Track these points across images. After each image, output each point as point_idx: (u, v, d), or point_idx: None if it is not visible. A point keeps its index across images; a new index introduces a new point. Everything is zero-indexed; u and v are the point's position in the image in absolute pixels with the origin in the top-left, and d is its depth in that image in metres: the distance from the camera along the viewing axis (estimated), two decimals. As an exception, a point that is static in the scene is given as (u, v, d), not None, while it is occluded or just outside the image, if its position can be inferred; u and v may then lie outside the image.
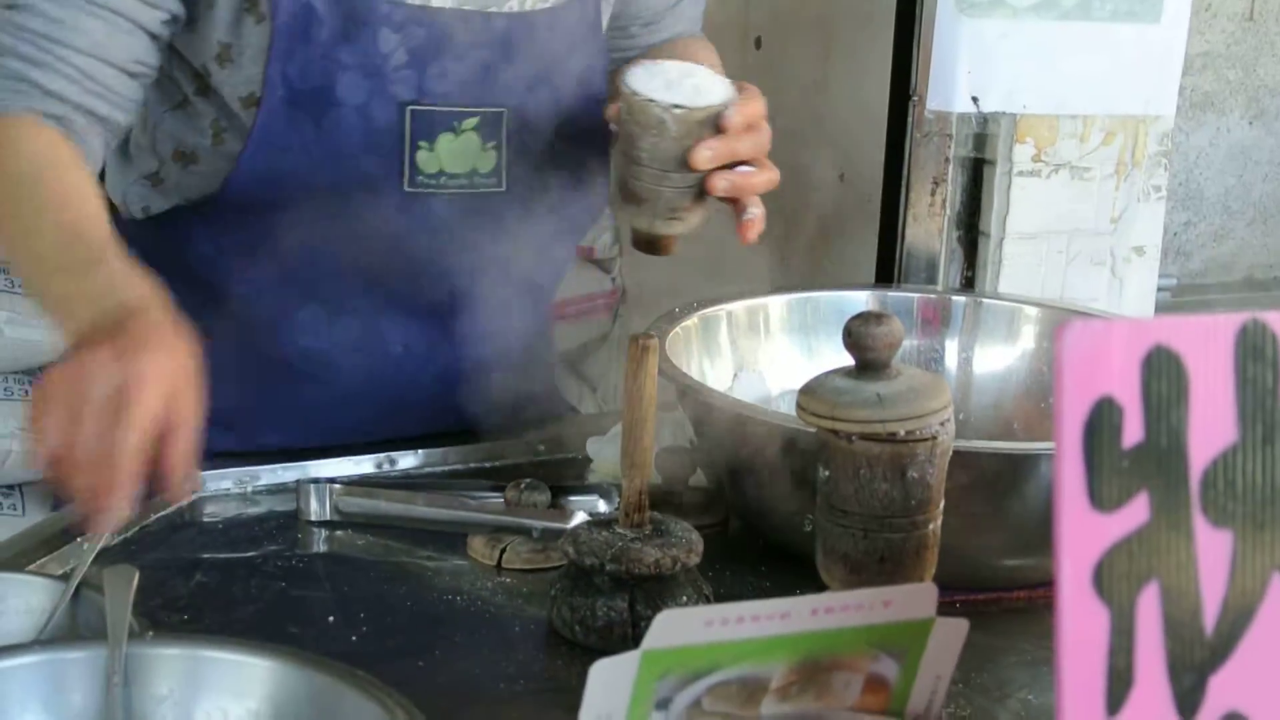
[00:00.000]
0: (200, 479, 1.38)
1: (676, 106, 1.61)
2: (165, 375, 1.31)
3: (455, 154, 1.81)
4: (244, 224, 1.79)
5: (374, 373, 1.90)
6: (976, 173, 2.34)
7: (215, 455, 1.76)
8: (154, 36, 1.70)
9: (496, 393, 1.90)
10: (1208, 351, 0.87)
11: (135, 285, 1.44)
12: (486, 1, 1.79)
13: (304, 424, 1.89)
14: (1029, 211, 2.33)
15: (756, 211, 1.68)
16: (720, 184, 1.64)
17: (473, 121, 1.80)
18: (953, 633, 1.11)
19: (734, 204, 1.68)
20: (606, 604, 1.47)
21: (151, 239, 1.85)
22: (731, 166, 1.65)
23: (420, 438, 1.92)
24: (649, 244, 1.71)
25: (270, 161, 1.75)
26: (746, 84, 1.69)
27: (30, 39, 1.63)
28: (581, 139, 1.89)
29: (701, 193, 1.66)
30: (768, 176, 1.68)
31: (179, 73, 1.79)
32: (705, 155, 1.61)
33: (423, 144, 1.79)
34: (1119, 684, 0.86)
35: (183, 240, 1.83)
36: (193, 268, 1.83)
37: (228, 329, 1.77)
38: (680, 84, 1.64)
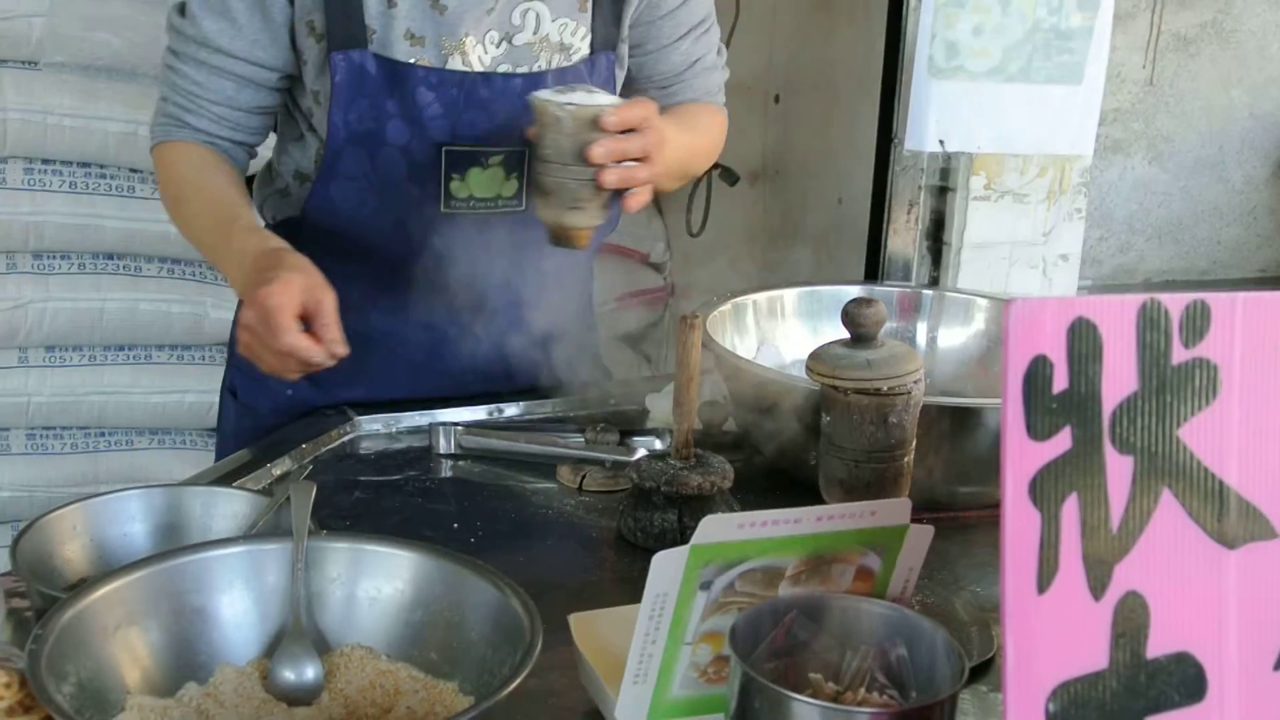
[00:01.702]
0: (343, 344, 1.44)
1: (568, 104, 1.53)
2: (293, 289, 1.43)
3: (483, 183, 1.75)
4: (324, 233, 1.76)
5: (434, 347, 1.84)
6: (942, 197, 2.33)
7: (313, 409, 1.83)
8: (272, 89, 1.74)
9: (539, 361, 1.81)
10: (1117, 322, 0.87)
11: (259, 240, 1.57)
12: (515, 64, 1.73)
13: (380, 383, 1.85)
14: (981, 227, 2.32)
15: (640, 191, 1.58)
16: (610, 178, 1.54)
17: (498, 158, 1.74)
18: (921, 537, 1.11)
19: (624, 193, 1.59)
20: (661, 516, 1.48)
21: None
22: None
23: (480, 396, 1.86)
24: (560, 235, 1.60)
25: (336, 186, 1.73)
26: (642, 99, 1.63)
27: (182, 93, 1.72)
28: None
29: (599, 187, 1.55)
30: (650, 171, 1.57)
31: (296, 114, 1.80)
32: (598, 151, 1.52)
33: (455, 176, 1.73)
34: (1047, 570, 0.86)
35: (293, 240, 1.73)
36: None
37: None
38: (573, 94, 1.55)
